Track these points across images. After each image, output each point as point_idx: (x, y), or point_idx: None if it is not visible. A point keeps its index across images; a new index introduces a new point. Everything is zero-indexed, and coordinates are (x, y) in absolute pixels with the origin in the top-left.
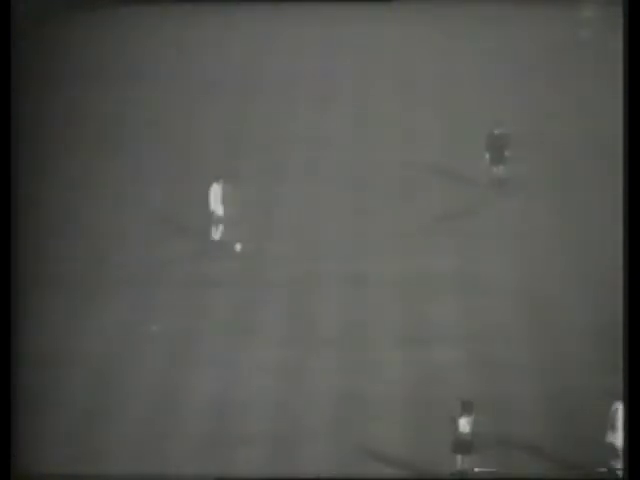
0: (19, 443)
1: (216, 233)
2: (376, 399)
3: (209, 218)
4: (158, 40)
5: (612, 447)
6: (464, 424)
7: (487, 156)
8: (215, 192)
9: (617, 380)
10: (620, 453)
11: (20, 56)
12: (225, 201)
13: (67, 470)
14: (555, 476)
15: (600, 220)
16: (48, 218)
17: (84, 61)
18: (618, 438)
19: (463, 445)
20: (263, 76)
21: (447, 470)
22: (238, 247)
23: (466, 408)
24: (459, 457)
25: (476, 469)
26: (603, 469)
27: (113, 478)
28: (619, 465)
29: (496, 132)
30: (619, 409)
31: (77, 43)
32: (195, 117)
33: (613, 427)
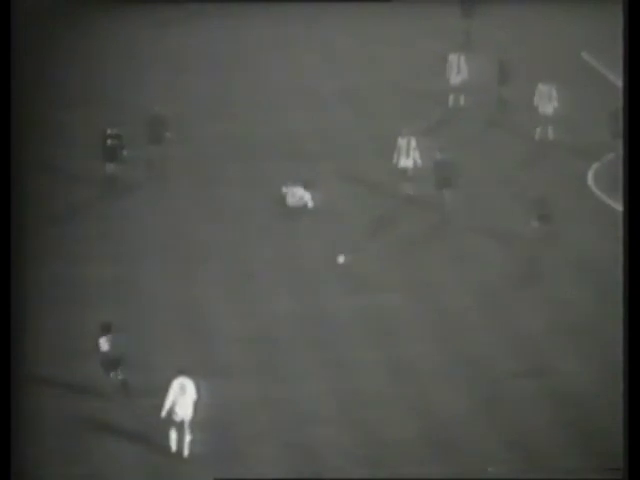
0: (19, 444)
1: None
2: None
3: None
4: (158, 39)
5: (170, 420)
6: (104, 343)
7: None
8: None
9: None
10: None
11: (20, 56)
12: None
13: (65, 470)
14: (555, 476)
15: None
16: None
17: (84, 61)
18: (177, 413)
19: (109, 362)
20: (261, 76)
21: None
22: None
23: (104, 329)
24: (111, 374)
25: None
26: None
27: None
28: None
29: (109, 131)
30: (175, 385)
31: (77, 43)
32: (202, 123)
33: (172, 402)
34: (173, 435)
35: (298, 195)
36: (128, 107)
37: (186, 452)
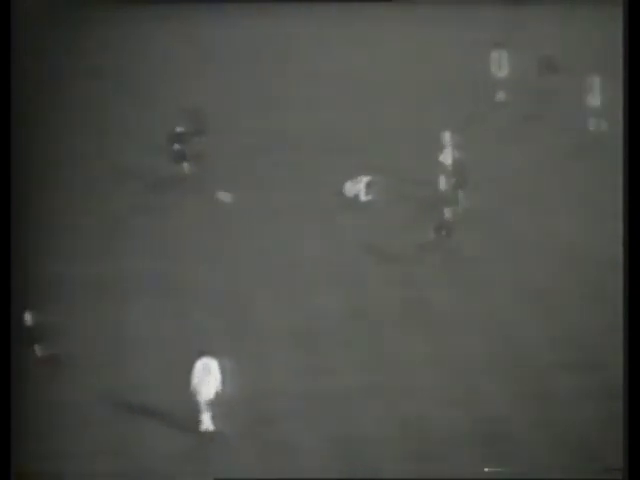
0: (19, 442)
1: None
2: None
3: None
4: (159, 39)
5: (189, 397)
6: (28, 318)
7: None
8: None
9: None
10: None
11: (20, 56)
12: None
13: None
14: (555, 476)
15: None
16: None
17: (84, 61)
18: (202, 393)
19: (33, 336)
20: (260, 76)
21: None
22: None
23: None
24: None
25: (487, 469)
26: None
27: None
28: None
29: (178, 130)
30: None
31: (77, 43)
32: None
33: (198, 382)
34: (201, 415)
35: (356, 187)
36: (168, 105)
37: (210, 430)
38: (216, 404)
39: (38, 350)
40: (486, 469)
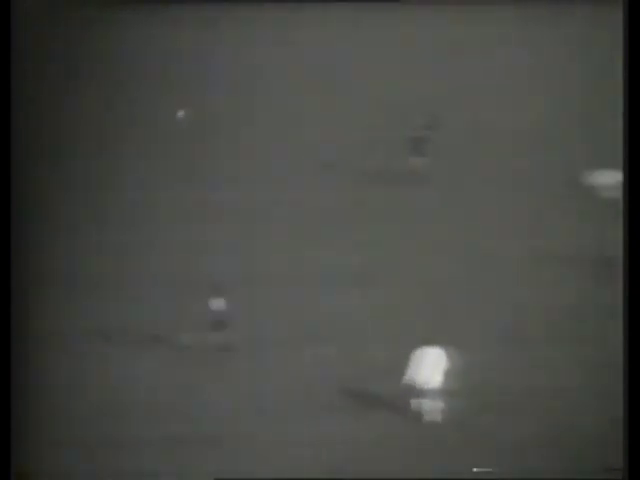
0: (19, 441)
1: None
2: None
3: None
4: (158, 39)
5: (411, 386)
6: (217, 303)
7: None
8: None
9: None
10: (420, 390)
11: (20, 56)
12: None
13: (67, 468)
14: (555, 476)
15: None
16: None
17: (83, 61)
18: (426, 381)
19: (217, 322)
20: (263, 76)
21: None
22: None
23: (217, 290)
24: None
25: (475, 469)
26: None
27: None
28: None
29: (416, 126)
30: (425, 353)
31: (77, 43)
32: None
33: (417, 369)
34: (422, 403)
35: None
36: None
37: (433, 420)
38: (440, 394)
39: (220, 335)
40: (475, 469)
